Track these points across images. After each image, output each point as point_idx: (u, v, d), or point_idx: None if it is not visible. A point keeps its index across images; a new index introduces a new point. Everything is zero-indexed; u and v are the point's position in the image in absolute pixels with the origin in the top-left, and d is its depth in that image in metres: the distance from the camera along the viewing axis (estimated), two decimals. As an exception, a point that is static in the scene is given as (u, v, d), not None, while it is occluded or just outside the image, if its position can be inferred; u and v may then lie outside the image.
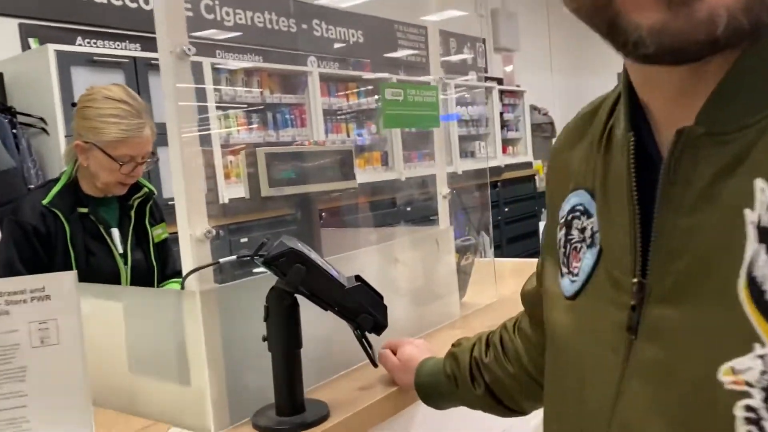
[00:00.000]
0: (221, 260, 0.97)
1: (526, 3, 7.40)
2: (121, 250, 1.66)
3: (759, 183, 0.41)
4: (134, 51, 3.42)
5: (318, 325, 1.04)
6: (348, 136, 4.43)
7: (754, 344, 0.39)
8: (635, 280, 0.48)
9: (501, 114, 6.14)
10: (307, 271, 0.90)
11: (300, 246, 0.92)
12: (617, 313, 0.50)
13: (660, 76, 0.48)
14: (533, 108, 6.82)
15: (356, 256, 1.22)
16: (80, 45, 3.32)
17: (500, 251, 5.56)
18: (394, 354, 1.07)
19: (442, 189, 1.50)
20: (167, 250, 1.79)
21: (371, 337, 0.98)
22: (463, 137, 5.73)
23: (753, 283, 0.40)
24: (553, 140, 7.15)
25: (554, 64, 8.08)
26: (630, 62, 0.50)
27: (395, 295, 1.30)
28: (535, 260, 0.76)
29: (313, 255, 0.93)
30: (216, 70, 3.62)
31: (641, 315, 0.48)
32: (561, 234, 0.60)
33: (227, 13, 3.87)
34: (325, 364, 1.14)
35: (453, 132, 5.39)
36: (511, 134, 6.39)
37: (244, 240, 3.06)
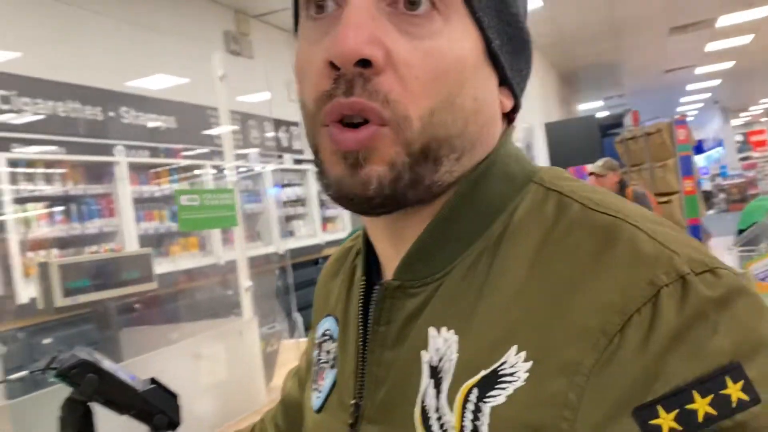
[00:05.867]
0: (12, 377, 0.99)
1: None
2: None
3: (431, 331, 0.51)
4: None
5: (121, 428, 1.07)
6: (161, 222, 4.37)
7: None
8: (353, 401, 0.57)
9: (319, 193, 6.40)
10: (99, 380, 0.95)
11: (93, 356, 0.97)
12: (342, 430, 0.57)
13: (374, 225, 0.58)
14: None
15: (157, 357, 1.27)
16: None
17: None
18: None
19: (245, 282, 1.61)
20: None
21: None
22: (283, 218, 5.90)
23: (423, 411, 0.49)
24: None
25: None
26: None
27: (199, 390, 1.36)
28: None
29: (106, 363, 0.98)
30: (13, 164, 3.45)
31: None
32: (315, 353, 0.68)
33: (25, 104, 3.72)
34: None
35: (272, 214, 5.52)
36: (329, 212, 6.67)
37: (47, 341, 2.88)
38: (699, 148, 22.10)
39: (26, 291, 3.15)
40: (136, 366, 1.05)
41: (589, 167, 5.21)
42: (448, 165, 0.51)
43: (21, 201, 3.47)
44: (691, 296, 0.42)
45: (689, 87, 15.43)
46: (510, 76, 0.55)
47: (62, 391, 0.98)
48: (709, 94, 17.23)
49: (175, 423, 1.01)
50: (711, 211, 15.73)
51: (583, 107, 16.24)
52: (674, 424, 0.39)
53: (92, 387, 0.94)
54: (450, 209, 0.53)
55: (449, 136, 0.50)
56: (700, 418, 0.39)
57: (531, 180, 0.55)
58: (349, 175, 0.49)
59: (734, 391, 0.39)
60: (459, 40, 0.50)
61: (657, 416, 0.39)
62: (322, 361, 0.66)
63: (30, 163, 3.60)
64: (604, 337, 0.42)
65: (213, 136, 5.02)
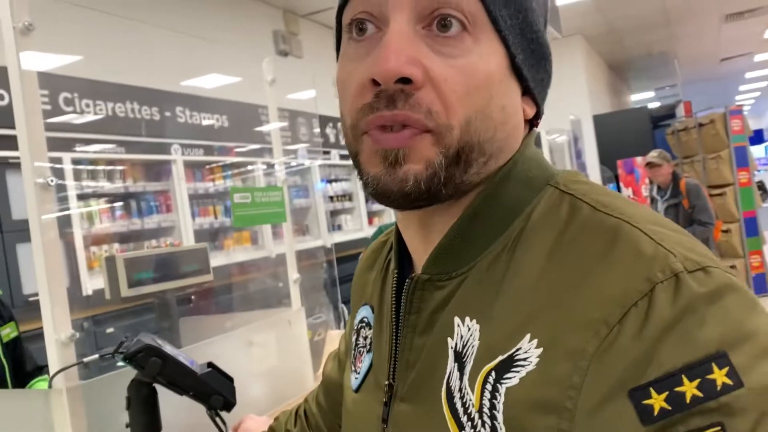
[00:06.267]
0: (85, 359, 1.09)
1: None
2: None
3: (456, 320, 0.57)
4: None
5: (180, 408, 1.17)
6: (216, 218, 4.53)
7: None
8: (387, 382, 0.64)
9: (365, 188, 6.49)
10: (162, 363, 1.04)
11: (156, 341, 1.07)
12: (378, 408, 0.64)
13: (405, 222, 0.64)
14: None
15: (213, 343, 1.37)
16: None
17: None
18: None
19: (293, 274, 1.69)
20: (20, 347, 1.81)
21: (226, 416, 1.13)
22: (331, 212, 6.02)
23: (448, 391, 0.56)
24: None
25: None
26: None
27: (251, 375, 1.45)
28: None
29: (168, 348, 1.08)
30: (76, 163, 3.65)
31: (390, 409, 0.63)
32: (353, 338, 0.75)
33: (87, 105, 3.92)
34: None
35: (320, 209, 5.64)
36: (375, 207, 6.75)
37: (109, 330, 3.06)
38: (758, 139, 21.27)
39: (90, 283, 3.34)
40: (194, 352, 1.15)
41: (641, 159, 5.14)
42: (476, 167, 0.57)
43: (84, 198, 3.67)
44: (683, 292, 0.46)
45: (749, 75, 14.89)
46: (532, 86, 0.60)
47: (129, 373, 1.08)
48: (766, 83, 16.58)
49: (230, 404, 1.10)
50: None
51: (636, 98, 15.85)
52: (664, 404, 0.43)
53: (156, 369, 1.03)
54: (474, 210, 0.59)
55: (481, 141, 0.56)
56: (688, 400, 0.43)
57: (548, 183, 0.60)
58: (387, 173, 0.54)
59: (719, 376, 0.43)
60: (487, 57, 0.55)
61: (649, 397, 0.44)
62: (359, 345, 0.73)
63: (92, 162, 3.80)
64: (605, 327, 0.47)
65: (263, 133, 5.16)
